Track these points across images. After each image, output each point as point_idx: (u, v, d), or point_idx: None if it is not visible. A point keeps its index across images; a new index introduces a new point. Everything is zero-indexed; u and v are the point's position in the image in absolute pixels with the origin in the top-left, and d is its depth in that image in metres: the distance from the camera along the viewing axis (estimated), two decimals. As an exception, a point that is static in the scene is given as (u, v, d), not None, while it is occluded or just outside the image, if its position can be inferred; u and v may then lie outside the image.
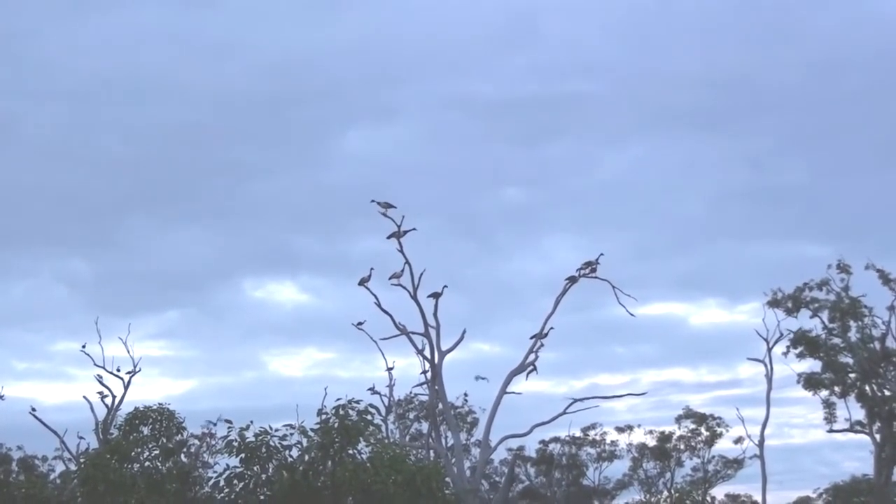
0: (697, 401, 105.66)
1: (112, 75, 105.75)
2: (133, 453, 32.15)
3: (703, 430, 67.01)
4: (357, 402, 24.64)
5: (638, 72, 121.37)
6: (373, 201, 32.70)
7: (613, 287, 34.05)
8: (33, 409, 44.91)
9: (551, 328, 34.25)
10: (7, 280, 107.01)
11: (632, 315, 34.13)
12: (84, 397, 44.22)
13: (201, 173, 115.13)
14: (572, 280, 34.30)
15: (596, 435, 67.82)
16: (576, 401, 34.23)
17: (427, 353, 33.73)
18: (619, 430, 68.51)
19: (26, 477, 34.29)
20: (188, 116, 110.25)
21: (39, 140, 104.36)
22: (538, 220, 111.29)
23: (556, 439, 66.51)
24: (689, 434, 67.36)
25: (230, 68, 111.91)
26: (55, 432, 45.12)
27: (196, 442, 41.88)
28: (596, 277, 34.19)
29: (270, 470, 24.33)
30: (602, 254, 34.24)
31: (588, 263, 34.12)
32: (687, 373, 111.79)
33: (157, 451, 33.05)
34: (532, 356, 34.08)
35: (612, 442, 68.51)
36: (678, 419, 67.39)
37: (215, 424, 36.34)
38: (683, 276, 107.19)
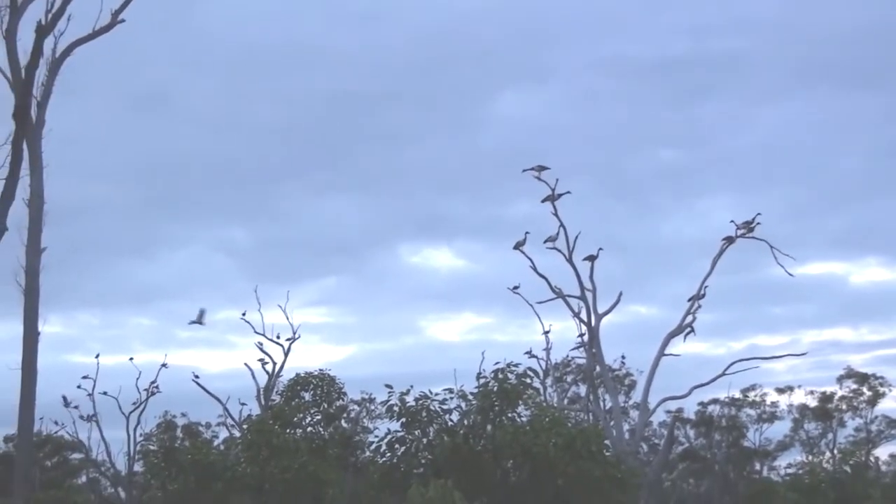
0: (859, 360, 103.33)
1: (266, 44, 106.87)
2: (295, 419, 32.91)
3: (865, 389, 65.73)
4: (515, 365, 24.80)
5: (792, 28, 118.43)
6: (525, 170, 32.75)
7: (771, 247, 33.57)
8: (196, 377, 46.02)
9: (708, 288, 33.99)
10: (168, 250, 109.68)
11: (790, 275, 33.64)
12: (245, 364, 44.98)
13: (355, 140, 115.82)
14: (729, 240, 33.87)
15: (756, 396, 66.96)
16: (735, 362, 33.94)
17: (583, 316, 33.69)
18: (780, 391, 67.61)
19: (191, 443, 35.29)
20: (341, 84, 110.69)
21: (195, 109, 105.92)
22: (692, 180, 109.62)
23: (715, 401, 65.83)
24: (851, 394, 66.14)
25: (382, 34, 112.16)
26: (218, 399, 46.19)
27: (356, 407, 42.76)
28: (753, 237, 33.72)
29: (431, 434, 24.56)
30: (759, 213, 33.83)
31: (745, 223, 33.71)
32: (848, 332, 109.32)
33: (318, 417, 33.83)
34: (689, 318, 33.79)
35: (773, 403, 67.62)
36: (839, 379, 66.27)
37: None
38: (842, 234, 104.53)
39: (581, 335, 34.90)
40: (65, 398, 48.26)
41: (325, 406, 34.55)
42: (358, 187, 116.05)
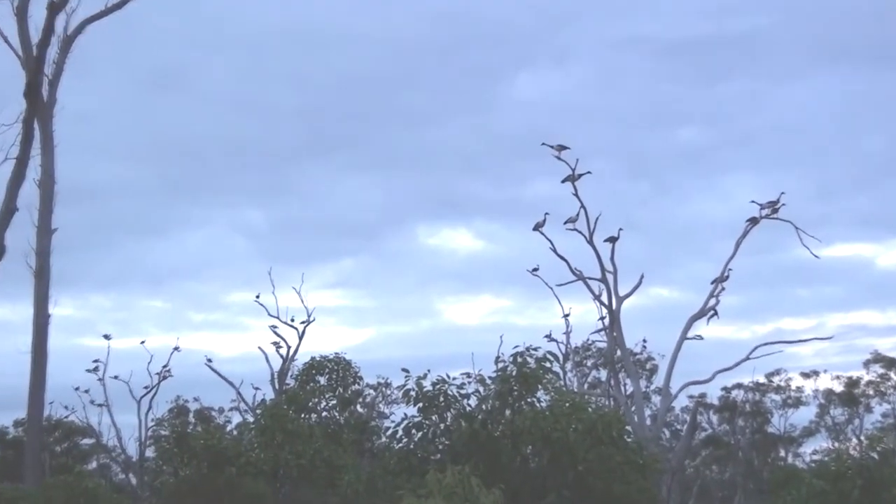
0: (887, 344, 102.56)
1: (283, 25, 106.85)
2: (310, 403, 33.02)
3: (892, 374, 65.48)
4: (535, 349, 24.69)
5: (813, 4, 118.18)
6: (544, 144, 32.65)
7: (796, 228, 33.47)
8: (209, 361, 46.30)
9: (731, 271, 33.94)
10: (183, 231, 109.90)
11: (816, 257, 33.53)
12: (259, 348, 45.12)
13: (373, 121, 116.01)
14: (753, 221, 33.80)
15: (780, 381, 66.77)
16: (760, 346, 33.89)
17: (604, 298, 33.72)
18: (805, 375, 67.41)
19: (203, 428, 35.38)
20: (359, 65, 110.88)
21: (211, 89, 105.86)
22: (715, 160, 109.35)
23: (738, 386, 65.68)
24: (879, 379, 65.83)
25: (400, 15, 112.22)
26: (231, 383, 46.43)
27: (372, 392, 42.89)
28: (777, 218, 33.64)
29: (449, 419, 24.49)
30: (783, 192, 33.73)
31: (769, 203, 33.59)
32: (875, 315, 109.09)
33: (333, 402, 33.91)
34: (713, 300, 33.79)
35: (798, 388, 67.40)
36: (866, 364, 65.93)
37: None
38: (868, 214, 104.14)
39: (602, 318, 34.98)
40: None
41: (341, 391, 34.64)
42: (375, 168, 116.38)
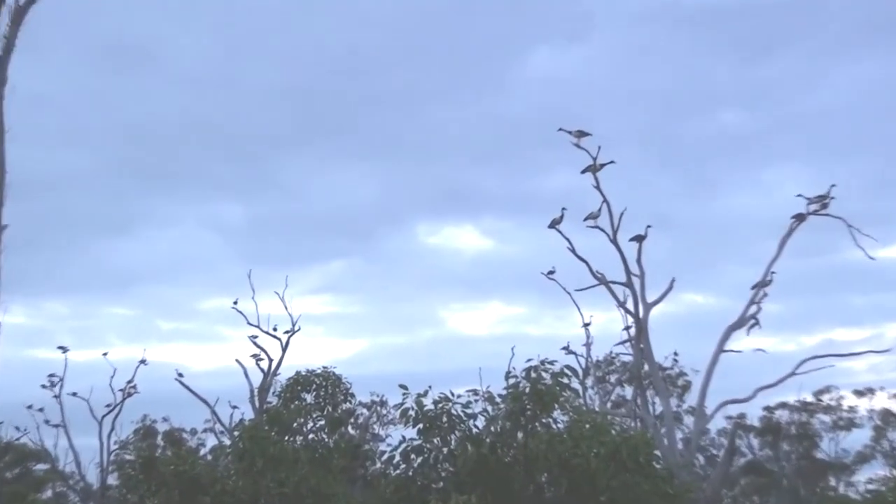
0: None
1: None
2: (295, 424, 33.12)
3: (959, 393, 65.73)
4: (551, 363, 24.90)
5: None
6: (561, 130, 32.76)
7: (849, 225, 33.50)
8: (180, 375, 46.54)
9: (775, 274, 34.03)
10: (151, 228, 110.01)
11: (871, 258, 33.55)
12: (237, 361, 45.43)
13: (367, 103, 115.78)
14: (800, 218, 33.85)
15: (831, 400, 66.93)
16: (807, 360, 33.99)
17: (630, 305, 33.76)
18: (859, 393, 67.48)
19: (174, 452, 35.46)
20: (350, 38, 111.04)
21: (184, 68, 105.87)
22: (757, 147, 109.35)
23: (783, 405, 65.84)
24: (943, 398, 66.15)
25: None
26: (205, 401, 46.69)
27: (365, 411, 43.04)
28: (828, 215, 33.71)
29: (453, 442, 24.70)
30: (834, 185, 33.81)
31: (818, 198, 33.68)
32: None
33: (321, 422, 34.01)
34: (753, 308, 33.84)
35: (851, 408, 67.46)
36: (929, 381, 66.15)
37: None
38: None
39: (627, 328, 35.04)
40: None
41: (330, 409, 34.76)
42: (369, 157, 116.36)
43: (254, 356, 44.96)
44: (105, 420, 48.18)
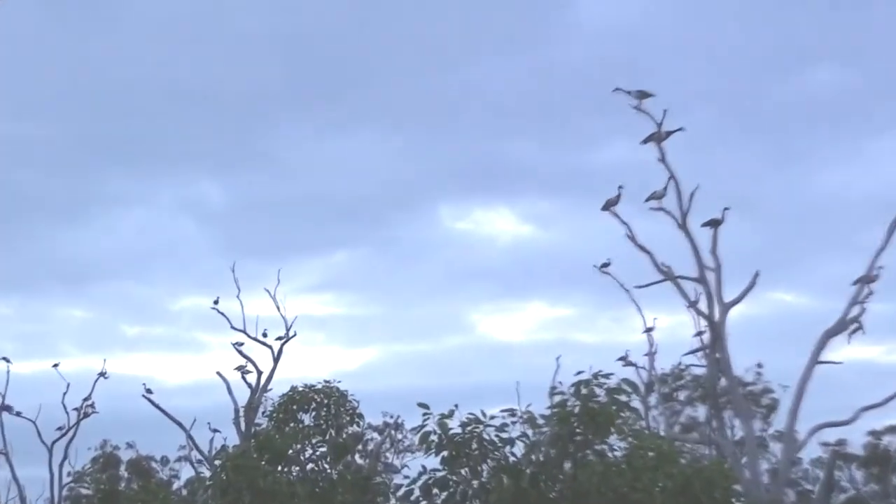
0: None
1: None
2: (290, 451, 33.31)
3: None
4: (605, 376, 25.00)
5: None
6: (618, 90, 32.90)
7: (974, 208, 33.68)
8: (148, 391, 46.70)
9: (882, 269, 34.06)
10: (113, 211, 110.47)
11: None
12: (218, 374, 45.65)
13: (378, 59, 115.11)
14: (914, 197, 34.01)
15: (952, 422, 67.10)
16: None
17: (703, 306, 33.88)
18: None
19: (141, 485, 35.76)
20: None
21: (153, 18, 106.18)
22: (858, 113, 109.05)
23: (892, 429, 65.96)
24: None
25: None
26: (179, 423, 46.77)
27: (377, 436, 43.22)
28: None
29: (485, 474, 24.84)
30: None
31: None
32: None
33: (323, 449, 34.21)
34: (856, 309, 33.95)
35: (981, 433, 67.73)
36: None
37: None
38: None
39: (699, 333, 35.10)
40: None
41: (333, 433, 34.97)
42: (382, 125, 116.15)
43: (239, 368, 45.16)
44: (56, 446, 48.43)
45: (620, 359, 42.26)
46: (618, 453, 24.65)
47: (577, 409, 24.53)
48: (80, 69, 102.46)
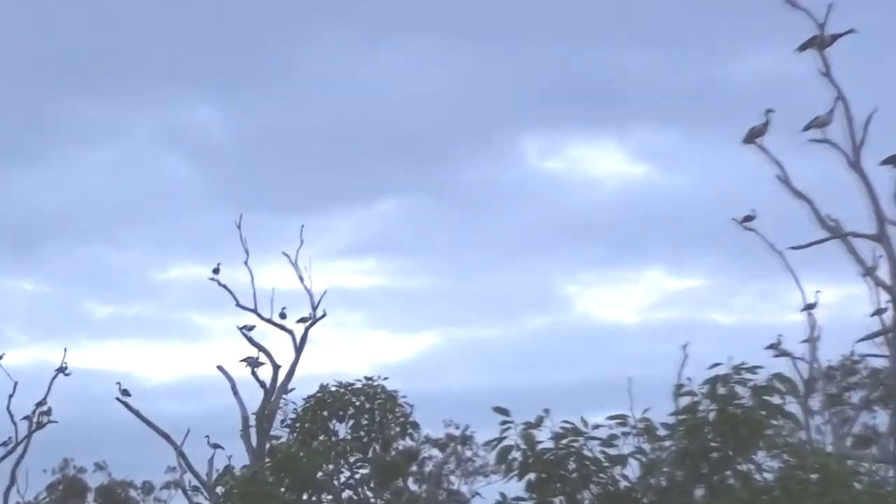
0: None
1: None
2: (320, 473, 33.27)
3: None
4: (752, 370, 24.73)
5: None
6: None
7: None
8: (125, 393, 46.81)
9: None
10: (74, 150, 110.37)
11: None
12: (219, 368, 45.70)
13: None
14: None
15: None
16: None
17: (884, 274, 33.56)
18: None
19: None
20: None
21: None
22: None
23: None
24: None
25: None
26: (166, 435, 46.95)
27: (438, 452, 43.09)
28: None
29: (587, 503, 24.75)
30: None
31: None
32: None
33: (364, 470, 34.16)
34: None
35: None
36: None
37: None
38: None
39: (879, 312, 34.85)
40: None
41: (378, 449, 34.89)
42: (441, 30, 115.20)
43: (248, 360, 45.12)
44: (1, 466, 48.69)
45: (770, 346, 42.18)
46: (768, 475, 24.46)
47: (711, 416, 24.31)
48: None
